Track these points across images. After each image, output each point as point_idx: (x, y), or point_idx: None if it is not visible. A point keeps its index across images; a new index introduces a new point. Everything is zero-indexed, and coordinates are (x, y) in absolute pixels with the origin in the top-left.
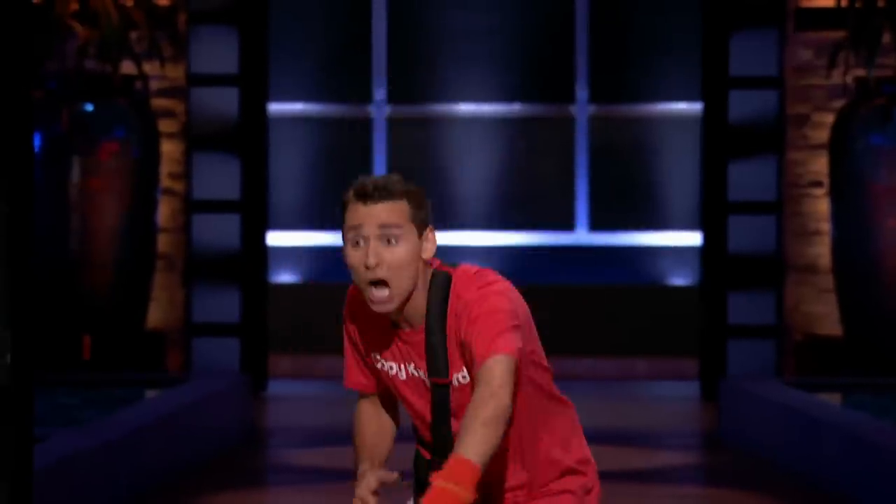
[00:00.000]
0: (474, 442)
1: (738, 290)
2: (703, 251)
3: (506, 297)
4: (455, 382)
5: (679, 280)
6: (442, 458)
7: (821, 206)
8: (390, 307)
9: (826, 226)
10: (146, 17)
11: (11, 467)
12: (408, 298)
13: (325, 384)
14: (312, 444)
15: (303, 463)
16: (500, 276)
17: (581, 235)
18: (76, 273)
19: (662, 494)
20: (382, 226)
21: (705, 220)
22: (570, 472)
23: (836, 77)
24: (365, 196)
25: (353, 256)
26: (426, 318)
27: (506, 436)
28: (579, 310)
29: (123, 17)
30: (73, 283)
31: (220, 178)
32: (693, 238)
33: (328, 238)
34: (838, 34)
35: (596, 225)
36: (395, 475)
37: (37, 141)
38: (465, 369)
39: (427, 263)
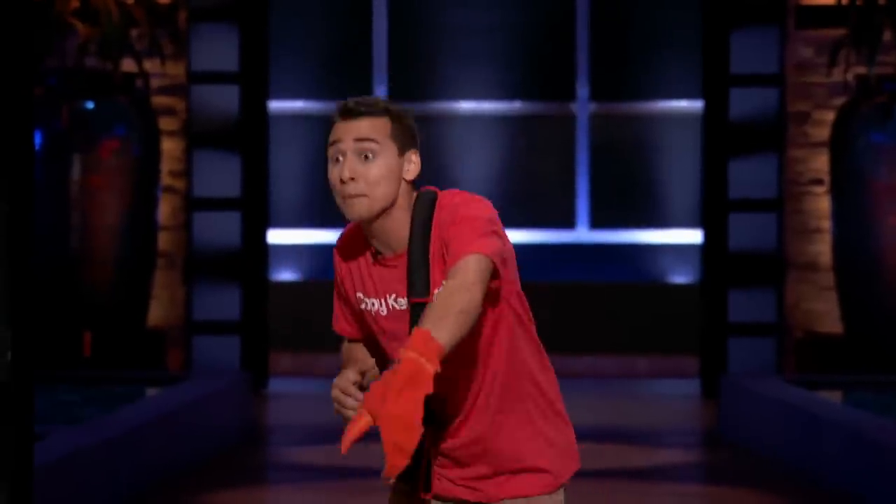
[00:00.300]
0: (446, 325)
1: (738, 287)
2: (704, 249)
3: (489, 208)
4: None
5: (680, 278)
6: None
7: (821, 203)
8: (363, 213)
9: (827, 223)
10: (147, 15)
11: (12, 465)
12: (386, 211)
13: (325, 382)
14: (313, 441)
15: (303, 461)
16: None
17: (582, 233)
18: (77, 270)
19: (663, 492)
20: (358, 139)
21: (706, 218)
22: (550, 443)
23: (837, 75)
24: (346, 111)
25: (332, 171)
26: (410, 236)
27: (477, 365)
28: (580, 308)
29: (124, 14)
30: (73, 281)
31: (221, 175)
32: (694, 236)
33: (329, 236)
34: (839, 32)
35: (596, 223)
36: (375, 370)
37: (37, 138)
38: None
39: (411, 186)
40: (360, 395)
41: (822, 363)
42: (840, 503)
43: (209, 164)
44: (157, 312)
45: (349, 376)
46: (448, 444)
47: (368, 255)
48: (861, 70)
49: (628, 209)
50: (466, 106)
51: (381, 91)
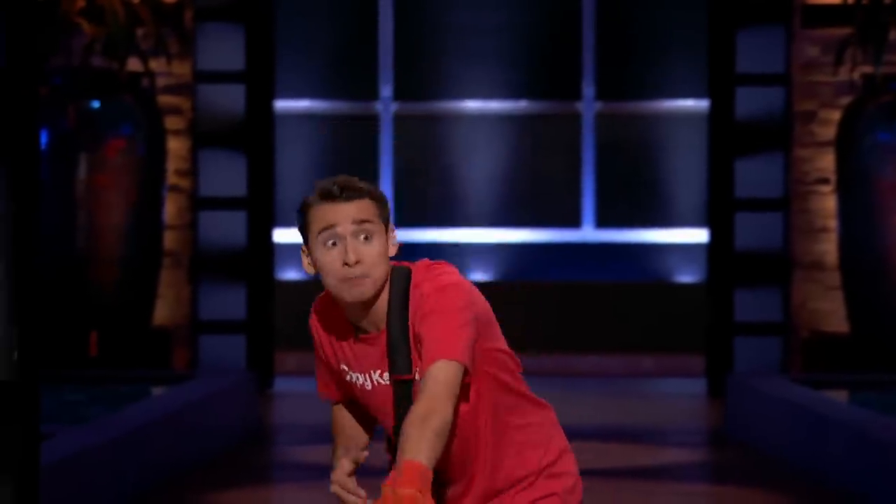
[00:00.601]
0: (426, 447)
1: (744, 287)
2: (710, 248)
3: (463, 291)
4: (418, 377)
5: (686, 277)
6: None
7: (828, 202)
8: (368, 293)
9: (833, 222)
10: (152, 14)
11: (18, 463)
12: (380, 291)
13: None
14: (318, 440)
15: (308, 459)
16: (455, 269)
17: (587, 232)
18: (83, 270)
19: (668, 491)
20: (357, 221)
21: (712, 217)
22: (550, 474)
23: (843, 74)
24: (332, 196)
25: (328, 256)
26: (388, 314)
27: (466, 440)
28: (586, 306)
29: (130, 13)
30: (79, 280)
31: (227, 174)
32: (700, 235)
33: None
34: (845, 31)
35: (602, 222)
36: (365, 452)
37: (43, 138)
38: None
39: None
40: (360, 491)
41: (829, 362)
42: (845, 502)
43: (215, 163)
44: (163, 312)
45: (345, 468)
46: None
47: (348, 333)
48: (867, 69)
49: (634, 208)
50: (472, 105)
51: (386, 90)
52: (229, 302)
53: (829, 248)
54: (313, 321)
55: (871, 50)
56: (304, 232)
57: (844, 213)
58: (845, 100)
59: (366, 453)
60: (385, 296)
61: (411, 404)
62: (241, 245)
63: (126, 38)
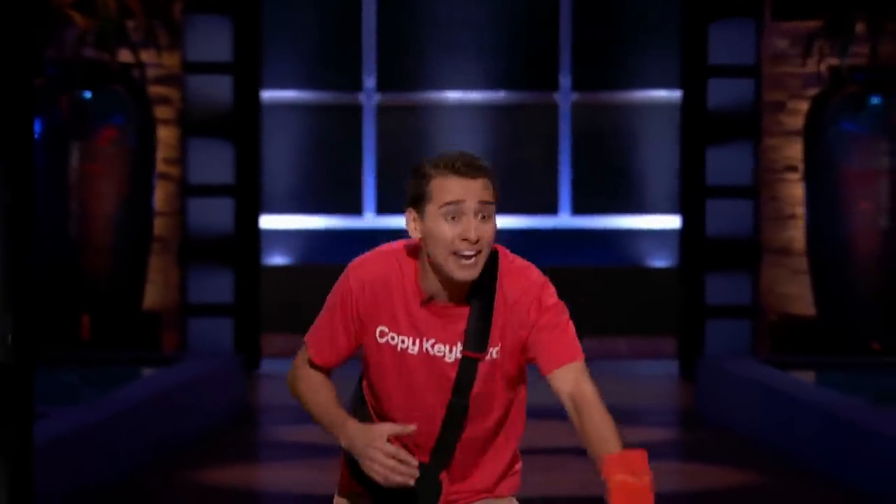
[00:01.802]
0: (615, 433)
1: (715, 271)
2: (682, 234)
3: (554, 292)
4: (488, 357)
5: (659, 262)
6: (450, 437)
7: (795, 190)
8: (476, 273)
9: (800, 209)
10: (143, 7)
11: (13, 443)
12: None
13: None
14: (304, 421)
15: (294, 439)
16: (541, 274)
17: (564, 219)
18: (75, 255)
19: None
20: (482, 202)
21: (684, 204)
22: (512, 472)
23: (811, 66)
24: (461, 172)
25: (448, 228)
26: (474, 290)
27: (495, 430)
28: (562, 291)
29: (120, 6)
30: (72, 266)
31: (215, 163)
32: (672, 221)
33: (319, 221)
34: (814, 24)
35: (578, 209)
36: (411, 426)
37: (37, 127)
38: (499, 346)
39: None
40: (413, 460)
41: (796, 344)
42: (814, 480)
43: (203, 151)
44: (153, 296)
45: (385, 431)
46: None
47: (410, 293)
48: (834, 61)
49: (609, 195)
50: (453, 95)
51: (370, 81)
52: (217, 286)
53: (796, 234)
54: (358, 278)
55: (838, 43)
56: (421, 199)
57: (811, 201)
58: (813, 91)
59: (413, 427)
60: None
61: (471, 381)
62: (229, 231)
63: (117, 30)
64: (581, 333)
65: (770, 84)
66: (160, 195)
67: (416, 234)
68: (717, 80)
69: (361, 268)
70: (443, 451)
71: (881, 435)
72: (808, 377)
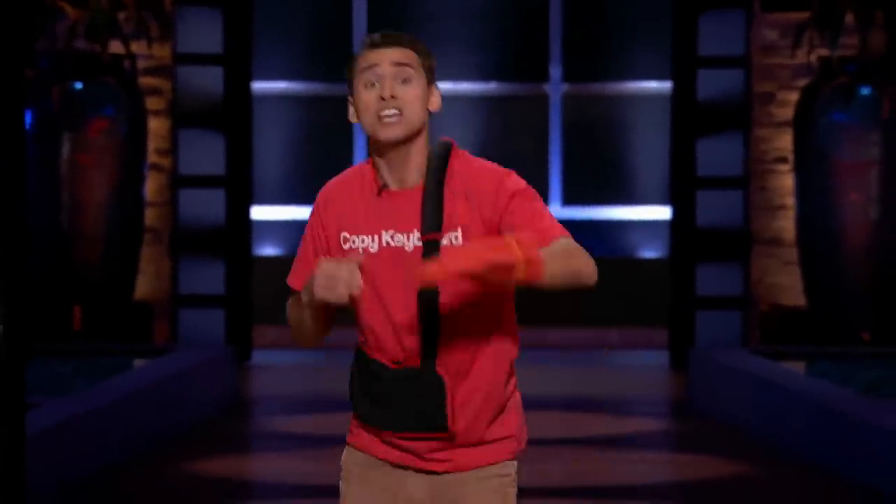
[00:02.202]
0: (557, 260)
1: (706, 262)
2: (673, 225)
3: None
4: (447, 241)
5: (649, 253)
6: (432, 329)
7: (785, 181)
8: (399, 132)
9: (790, 200)
10: None
11: (4, 434)
12: (412, 138)
13: (308, 354)
14: (296, 411)
15: (286, 430)
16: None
17: (555, 210)
18: (66, 246)
19: (633, 460)
20: (397, 63)
21: (675, 195)
22: (509, 409)
23: (801, 57)
24: (375, 43)
25: (367, 94)
26: (427, 172)
27: (491, 321)
28: None
29: None
30: (63, 256)
31: (206, 154)
32: (663, 212)
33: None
34: (803, 15)
35: (569, 200)
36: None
37: (28, 118)
38: (459, 231)
39: (427, 123)
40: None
41: (786, 335)
42: (805, 470)
43: (194, 142)
44: (144, 286)
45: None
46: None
47: (367, 189)
48: (824, 52)
49: (600, 187)
50: (444, 87)
51: None
52: (208, 277)
53: (786, 224)
54: (321, 193)
55: (827, 34)
56: (350, 81)
57: (801, 191)
58: (802, 82)
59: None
60: (423, 150)
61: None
62: (220, 222)
63: (108, 21)
64: (573, 324)
65: (760, 75)
66: (151, 186)
67: (353, 119)
68: (707, 71)
69: (326, 184)
70: (429, 345)
71: (871, 426)
72: (798, 367)
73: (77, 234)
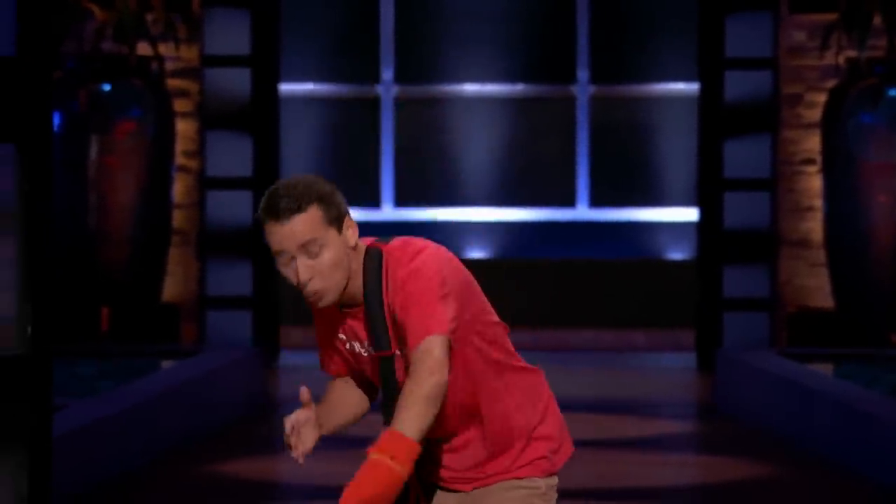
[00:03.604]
0: (410, 417)
1: (733, 264)
2: (700, 227)
3: (434, 265)
4: (398, 352)
5: (676, 254)
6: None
7: (813, 182)
8: (329, 302)
9: (818, 202)
10: (161, 0)
11: (31, 434)
12: (345, 288)
13: None
14: None
15: None
16: (428, 243)
17: (582, 211)
18: (94, 248)
19: (659, 462)
20: (301, 245)
21: (702, 197)
22: (537, 437)
23: (829, 58)
24: (276, 215)
25: (287, 273)
26: (364, 296)
27: (458, 406)
28: (580, 283)
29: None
30: (91, 258)
31: (233, 156)
32: (690, 214)
33: None
34: (831, 16)
35: (596, 201)
36: (309, 411)
37: (56, 120)
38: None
39: (355, 247)
40: (308, 439)
41: (814, 337)
42: (831, 472)
43: (222, 144)
44: (172, 288)
45: (302, 414)
46: (448, 462)
47: (333, 309)
48: (852, 53)
49: (627, 188)
50: (470, 88)
51: (387, 74)
52: (236, 278)
53: (814, 226)
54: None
55: (855, 35)
56: (267, 246)
57: (829, 193)
58: (830, 83)
59: (309, 412)
60: (359, 276)
61: (394, 379)
62: (247, 223)
63: (136, 23)
64: (599, 326)
65: (787, 76)
66: (179, 188)
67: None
68: (734, 72)
69: None
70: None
71: None
72: (825, 369)
73: (104, 235)
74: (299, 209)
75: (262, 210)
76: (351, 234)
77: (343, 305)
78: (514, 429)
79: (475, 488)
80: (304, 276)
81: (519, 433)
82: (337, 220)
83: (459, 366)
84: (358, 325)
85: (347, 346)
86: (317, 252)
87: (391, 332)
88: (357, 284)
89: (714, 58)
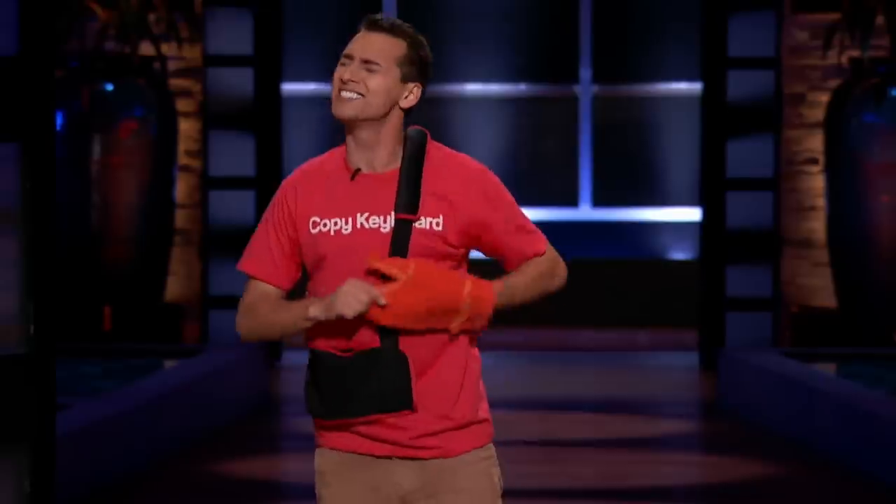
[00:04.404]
0: (517, 284)
1: (736, 263)
2: (703, 226)
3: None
4: (422, 224)
5: (679, 254)
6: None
7: (816, 182)
8: (351, 111)
9: (821, 201)
10: (164, 0)
11: (35, 434)
12: (375, 123)
13: None
14: None
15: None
16: (476, 161)
17: (585, 211)
18: (97, 247)
19: (662, 461)
20: (365, 60)
21: (704, 197)
22: (481, 394)
23: (832, 57)
24: (371, 25)
25: (338, 70)
26: (404, 156)
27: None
28: (583, 283)
29: None
30: (93, 257)
31: (236, 155)
32: (693, 214)
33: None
34: (833, 16)
35: (599, 201)
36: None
37: (59, 119)
38: (441, 218)
39: (404, 116)
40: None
41: (817, 336)
42: (835, 472)
43: (224, 144)
44: (175, 288)
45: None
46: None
47: (339, 173)
48: (855, 53)
49: (629, 188)
50: (473, 88)
51: None
52: (238, 278)
53: (817, 226)
54: (288, 180)
55: (858, 34)
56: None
57: (832, 193)
58: (833, 83)
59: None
60: (395, 139)
61: (405, 249)
62: (250, 224)
63: (138, 22)
64: (602, 325)
65: (790, 76)
66: (182, 187)
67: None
68: (737, 72)
69: (294, 172)
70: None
71: None
72: (828, 369)
73: (107, 234)
74: (391, 30)
75: (363, 22)
76: (410, 98)
77: (359, 169)
78: (469, 368)
79: (433, 458)
80: (347, 74)
81: (470, 375)
82: (408, 70)
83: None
84: (371, 193)
85: (319, 228)
86: (373, 70)
87: (422, 201)
88: (392, 148)
89: (717, 57)
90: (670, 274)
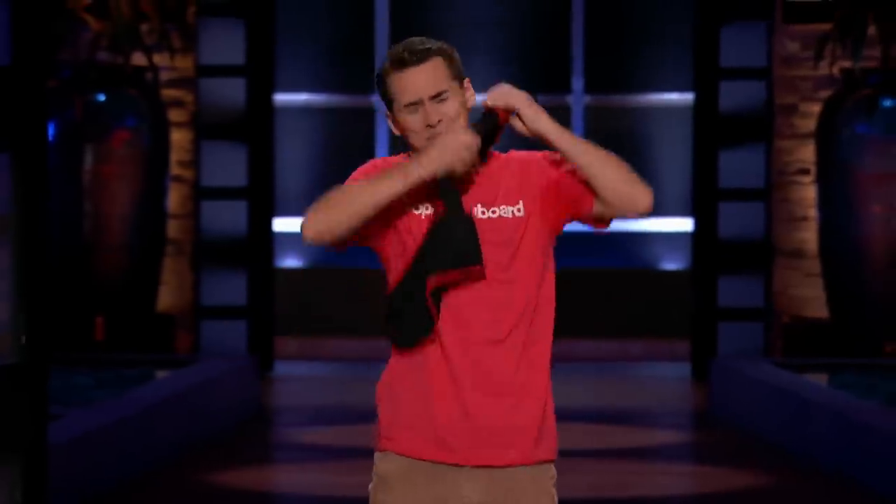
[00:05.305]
0: (580, 141)
1: (727, 274)
2: (695, 237)
3: None
4: (508, 214)
5: (671, 264)
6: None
7: (808, 192)
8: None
9: (813, 212)
10: (156, 10)
11: (27, 443)
12: None
13: (329, 365)
14: (317, 423)
15: (308, 441)
16: None
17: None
18: (89, 257)
19: (655, 471)
20: (433, 95)
21: (696, 207)
22: (549, 403)
23: (823, 68)
24: (403, 63)
25: (413, 120)
26: (481, 153)
27: (525, 290)
28: (576, 293)
29: (134, 9)
30: (86, 267)
31: (228, 165)
32: (685, 224)
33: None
34: (825, 27)
35: None
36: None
37: (51, 129)
38: (521, 203)
39: (469, 110)
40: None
41: (809, 347)
42: (827, 481)
43: (217, 154)
44: (167, 298)
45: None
46: (484, 366)
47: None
48: (846, 64)
49: None
50: None
51: None
52: (230, 288)
53: (809, 236)
54: (373, 163)
55: (849, 45)
56: (387, 100)
57: (824, 203)
58: (825, 93)
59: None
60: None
61: (475, 241)
62: (242, 233)
63: (131, 33)
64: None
65: (782, 86)
66: (174, 197)
67: (397, 131)
68: (728, 82)
69: (372, 161)
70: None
71: (894, 437)
72: (820, 379)
73: (100, 244)
74: (427, 56)
75: (390, 63)
76: (469, 96)
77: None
78: (548, 390)
79: (506, 465)
80: (434, 116)
81: (547, 397)
82: (459, 76)
83: (547, 266)
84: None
85: (418, 209)
86: (445, 99)
87: (506, 190)
88: None
89: (709, 68)
90: (662, 284)
